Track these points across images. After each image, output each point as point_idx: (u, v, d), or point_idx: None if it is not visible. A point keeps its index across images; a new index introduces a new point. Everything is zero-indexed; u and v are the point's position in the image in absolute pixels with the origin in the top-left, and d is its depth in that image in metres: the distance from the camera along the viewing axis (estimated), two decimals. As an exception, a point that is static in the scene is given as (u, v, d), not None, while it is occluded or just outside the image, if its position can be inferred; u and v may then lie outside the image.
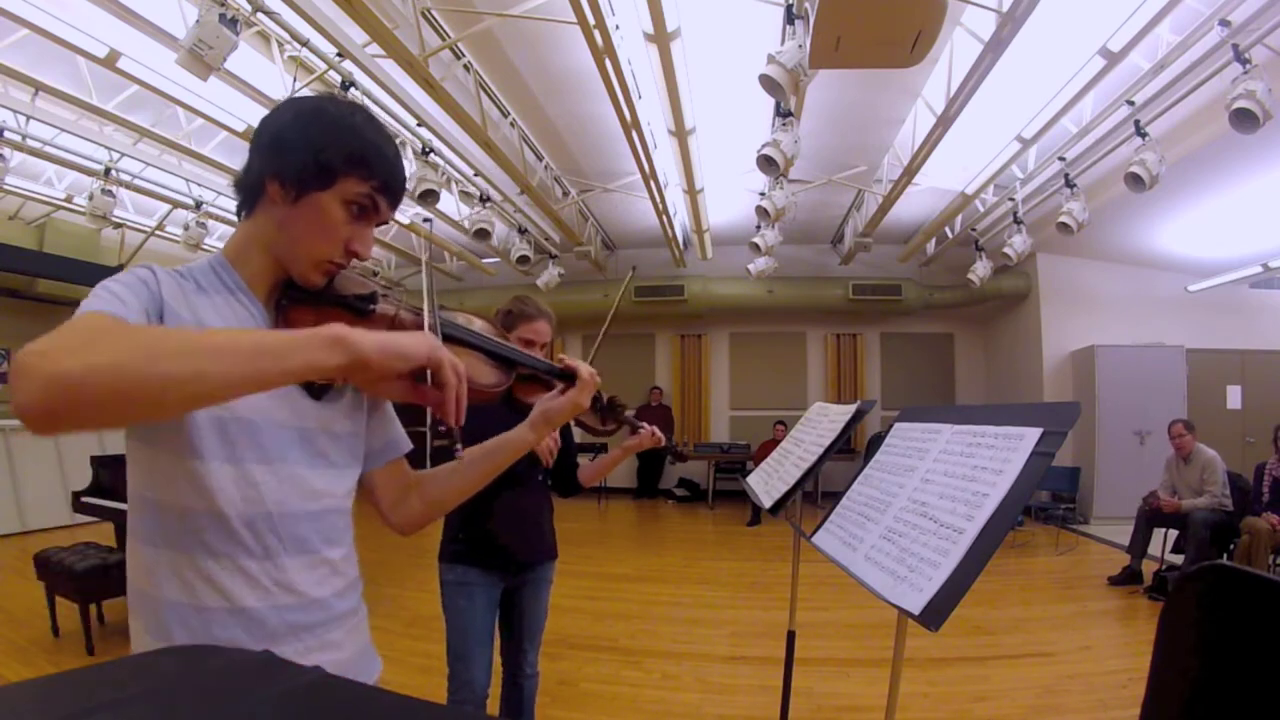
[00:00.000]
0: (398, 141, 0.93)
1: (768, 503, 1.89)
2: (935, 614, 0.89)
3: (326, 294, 0.88)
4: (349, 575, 0.94)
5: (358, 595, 0.97)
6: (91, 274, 7.57)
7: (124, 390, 0.59)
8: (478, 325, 1.01)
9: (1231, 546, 4.51)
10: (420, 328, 0.89)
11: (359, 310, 0.88)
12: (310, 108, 0.86)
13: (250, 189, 0.87)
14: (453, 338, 0.93)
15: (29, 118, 5.23)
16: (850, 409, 1.88)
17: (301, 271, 0.87)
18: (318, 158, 0.82)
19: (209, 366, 0.62)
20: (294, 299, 0.87)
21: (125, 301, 0.74)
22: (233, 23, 3.47)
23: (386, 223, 0.91)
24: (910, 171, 5.53)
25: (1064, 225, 5.73)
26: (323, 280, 0.88)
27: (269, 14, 3.92)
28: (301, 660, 0.86)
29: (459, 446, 0.83)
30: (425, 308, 0.90)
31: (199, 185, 6.85)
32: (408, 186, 0.86)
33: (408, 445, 1.05)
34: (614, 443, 1.92)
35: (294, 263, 0.86)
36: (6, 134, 5.33)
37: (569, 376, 1.07)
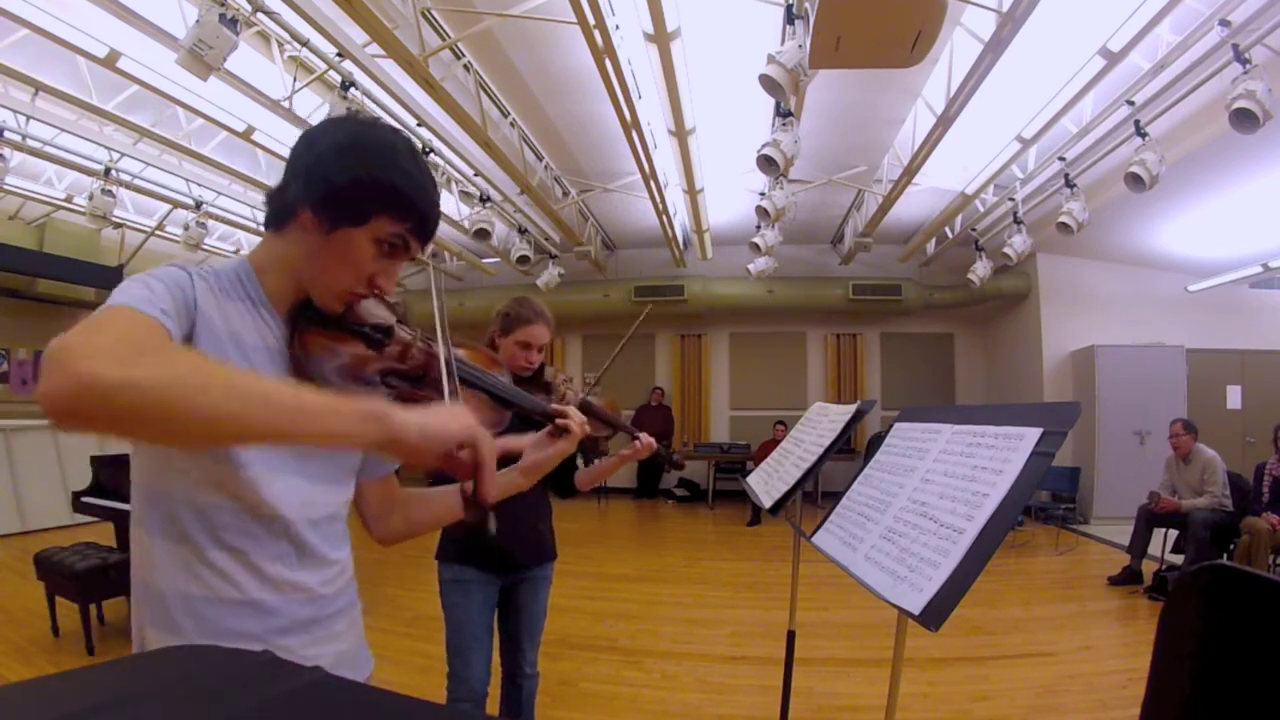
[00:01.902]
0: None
1: (768, 503, 1.89)
2: (935, 614, 0.89)
3: (343, 320, 0.89)
4: (348, 573, 0.98)
5: (354, 589, 1.01)
6: (91, 274, 7.58)
7: (156, 414, 0.58)
8: (462, 354, 1.01)
9: (1231, 546, 4.50)
10: (433, 363, 0.90)
11: (372, 341, 0.90)
12: (351, 139, 0.84)
13: (283, 208, 0.86)
14: (465, 381, 0.95)
15: (29, 118, 5.23)
16: (850, 409, 1.87)
17: (323, 299, 0.87)
18: (353, 195, 0.81)
19: (245, 411, 0.61)
20: (310, 320, 0.88)
21: (161, 301, 0.73)
22: (233, 23, 3.47)
23: (415, 259, 0.91)
24: (910, 171, 5.53)
25: (1064, 225, 5.73)
26: (342, 308, 0.88)
27: (269, 14, 3.92)
28: (309, 650, 0.87)
29: (492, 522, 0.79)
30: (440, 353, 0.90)
31: (199, 185, 6.85)
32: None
33: (397, 463, 1.07)
34: (614, 446, 1.93)
35: (316, 290, 0.87)
36: (6, 134, 5.33)
37: (561, 427, 1.09)
